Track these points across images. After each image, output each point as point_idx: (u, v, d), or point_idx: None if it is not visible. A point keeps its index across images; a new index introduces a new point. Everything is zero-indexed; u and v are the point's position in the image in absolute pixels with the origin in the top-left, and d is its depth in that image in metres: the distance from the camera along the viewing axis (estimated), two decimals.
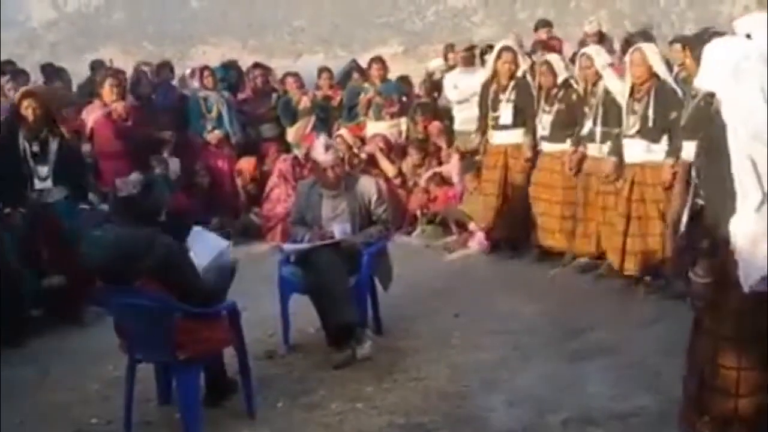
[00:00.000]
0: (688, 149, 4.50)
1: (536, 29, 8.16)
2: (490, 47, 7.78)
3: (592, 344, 4.31)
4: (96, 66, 8.52)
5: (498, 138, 6.09)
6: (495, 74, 6.02)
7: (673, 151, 4.88)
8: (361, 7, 18.11)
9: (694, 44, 4.64)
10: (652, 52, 5.03)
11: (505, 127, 6.01)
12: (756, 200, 2.67)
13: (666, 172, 4.90)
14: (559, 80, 5.71)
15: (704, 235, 2.78)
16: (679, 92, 4.93)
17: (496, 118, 6.02)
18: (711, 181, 2.82)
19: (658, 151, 4.96)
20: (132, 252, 3.29)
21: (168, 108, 7.66)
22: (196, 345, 3.41)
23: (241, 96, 8.15)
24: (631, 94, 5.07)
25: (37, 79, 8.44)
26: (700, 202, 2.86)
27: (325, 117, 7.73)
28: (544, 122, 5.75)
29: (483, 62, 7.08)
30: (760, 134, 2.66)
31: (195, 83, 7.96)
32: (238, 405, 3.74)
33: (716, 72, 2.79)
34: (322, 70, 8.46)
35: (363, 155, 7.20)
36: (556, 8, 13.26)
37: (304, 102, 7.57)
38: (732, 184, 2.70)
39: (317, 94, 7.91)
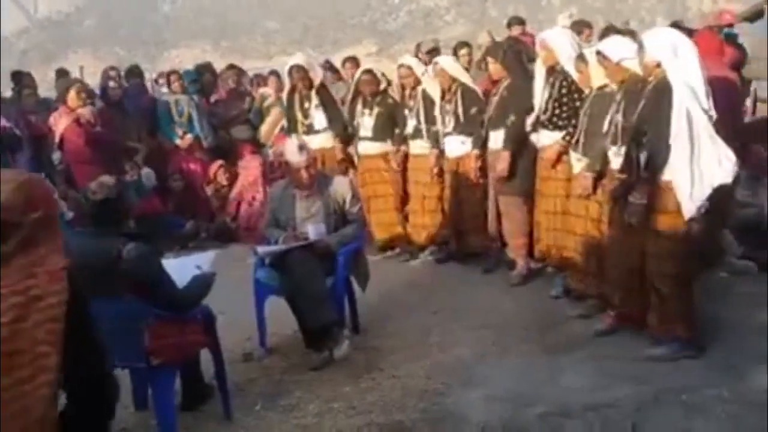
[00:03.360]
0: (497, 138, 5.42)
1: (509, 26, 8.21)
2: (466, 44, 7.83)
3: (568, 337, 4.33)
4: (61, 75, 8.44)
5: (311, 144, 6.31)
6: (294, 86, 6.52)
7: (477, 141, 5.60)
8: (334, 8, 18.12)
9: (495, 52, 5.52)
10: (449, 65, 5.87)
11: (318, 132, 6.48)
12: (687, 149, 3.66)
13: (472, 160, 5.64)
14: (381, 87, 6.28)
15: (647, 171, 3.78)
16: (479, 92, 5.75)
17: (309, 125, 6.47)
18: (654, 130, 3.77)
19: (469, 143, 5.69)
20: (101, 261, 3.23)
21: (139, 112, 7.60)
22: (170, 350, 3.37)
23: (214, 98, 8.11)
24: (443, 97, 5.81)
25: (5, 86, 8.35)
26: (644, 151, 3.81)
27: None
28: (365, 124, 6.25)
29: (457, 59, 7.12)
30: (696, 92, 3.69)
31: (163, 88, 7.91)
32: (215, 409, 3.71)
33: (661, 48, 3.82)
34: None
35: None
36: (527, 5, 13.36)
37: (269, 95, 7.57)
38: (668, 133, 3.68)
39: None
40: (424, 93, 5.97)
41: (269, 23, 19.06)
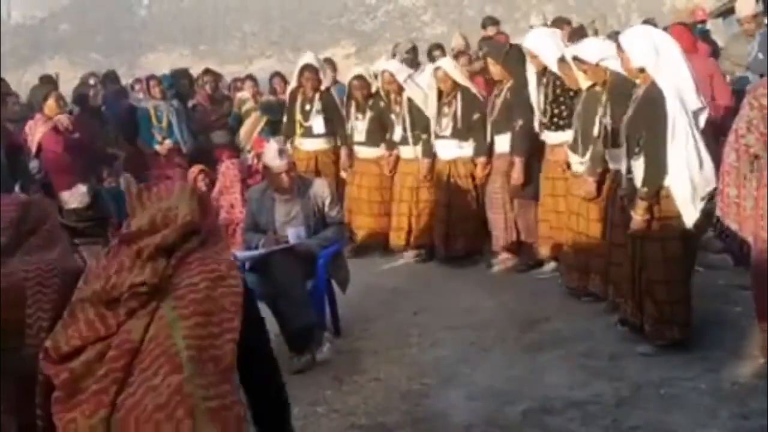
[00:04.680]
0: (503, 142, 5.41)
1: (484, 26, 8.26)
2: (439, 46, 7.87)
3: (548, 335, 4.36)
4: (45, 81, 8.35)
5: (308, 145, 6.50)
6: (300, 86, 6.49)
7: (480, 149, 5.60)
8: (311, 10, 18.11)
9: (496, 54, 5.51)
10: (452, 68, 5.79)
11: (317, 136, 6.49)
12: (683, 156, 3.61)
13: (480, 169, 5.65)
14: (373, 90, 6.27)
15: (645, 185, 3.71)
16: (480, 97, 5.69)
17: (308, 128, 6.47)
18: (651, 142, 3.67)
19: (466, 148, 5.66)
20: (78, 270, 3.21)
21: (117, 119, 7.55)
22: None
23: (191, 103, 8.07)
24: (440, 98, 5.72)
25: None
26: (641, 160, 3.71)
27: (277, 121, 7.70)
28: (359, 129, 6.28)
29: (432, 60, 7.14)
30: (685, 92, 3.62)
31: (140, 94, 7.85)
32: None
33: (642, 52, 3.68)
34: (275, 74, 8.45)
35: None
36: (503, 5, 13.43)
37: (247, 99, 7.56)
38: (665, 145, 3.61)
39: (271, 98, 7.87)
40: (410, 100, 5.93)
41: (247, 26, 19.00)
